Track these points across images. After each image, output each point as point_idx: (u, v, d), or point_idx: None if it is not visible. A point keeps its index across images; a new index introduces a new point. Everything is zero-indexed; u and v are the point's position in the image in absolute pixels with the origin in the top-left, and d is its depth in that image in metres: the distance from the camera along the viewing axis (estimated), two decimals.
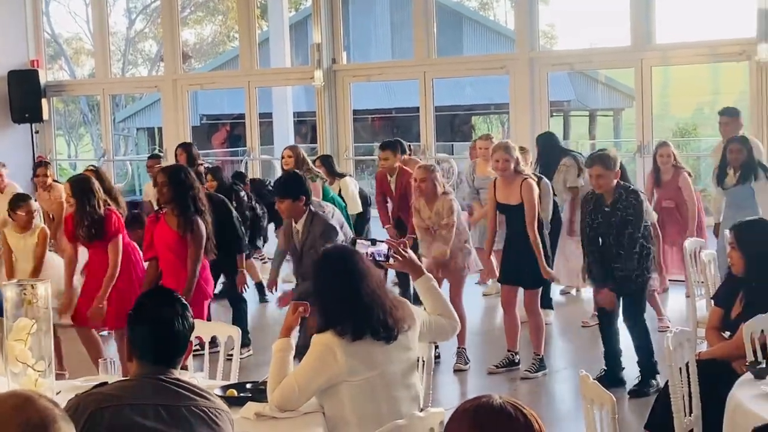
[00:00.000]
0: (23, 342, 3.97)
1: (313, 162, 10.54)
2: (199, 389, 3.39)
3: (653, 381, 7.15)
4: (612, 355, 7.38)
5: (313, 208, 6.75)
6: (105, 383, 3.52)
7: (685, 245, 7.60)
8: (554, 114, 22.16)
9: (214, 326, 5.66)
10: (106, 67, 16.19)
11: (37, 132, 15.81)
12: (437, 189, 7.94)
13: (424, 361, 4.74)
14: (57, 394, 4.38)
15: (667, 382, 4.99)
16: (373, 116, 27.72)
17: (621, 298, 7.18)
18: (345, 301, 4.22)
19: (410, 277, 4.88)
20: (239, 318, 8.60)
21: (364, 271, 4.30)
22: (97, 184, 7.35)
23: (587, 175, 7.60)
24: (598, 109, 29.48)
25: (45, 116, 15.81)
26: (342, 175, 10.80)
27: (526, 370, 7.77)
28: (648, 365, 7.22)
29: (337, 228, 6.79)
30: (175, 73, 15.33)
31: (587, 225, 7.26)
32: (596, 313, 7.94)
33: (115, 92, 17.90)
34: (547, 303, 9.11)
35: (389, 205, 9.90)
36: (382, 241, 4.84)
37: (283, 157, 10.08)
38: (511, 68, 12.79)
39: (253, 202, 10.16)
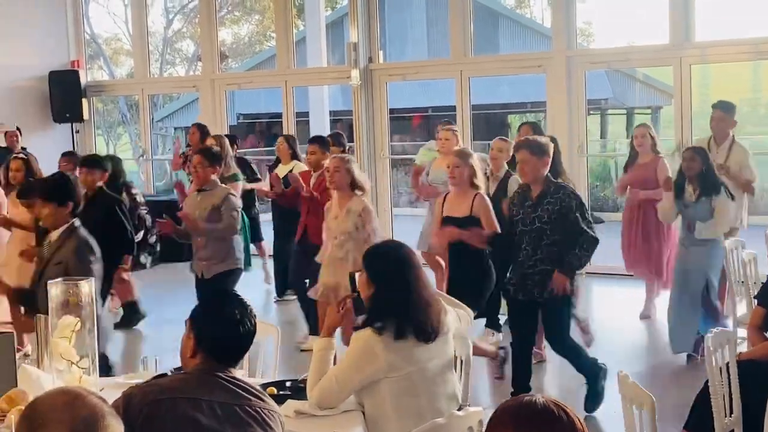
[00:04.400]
0: (68, 339, 4.03)
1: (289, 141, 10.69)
2: (255, 389, 3.41)
3: (602, 381, 6.79)
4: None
5: (76, 223, 5.89)
6: (164, 375, 3.55)
7: (725, 244, 7.51)
8: (591, 112, 22.04)
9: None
10: (145, 67, 16.32)
11: (77, 132, 15.97)
12: (355, 181, 7.17)
13: (462, 360, 4.75)
14: (100, 390, 4.43)
15: (706, 382, 4.96)
16: (410, 115, 27.68)
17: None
18: (398, 298, 4.21)
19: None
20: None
21: (418, 270, 4.31)
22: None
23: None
24: (635, 107, 29.25)
25: (85, 116, 15.98)
26: (299, 159, 10.57)
27: None
28: (593, 374, 6.79)
29: (95, 252, 5.85)
30: (212, 72, 15.43)
31: (507, 222, 6.82)
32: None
33: (153, 92, 18.01)
34: (494, 324, 8.49)
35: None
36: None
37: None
38: (547, 67, 12.74)
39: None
